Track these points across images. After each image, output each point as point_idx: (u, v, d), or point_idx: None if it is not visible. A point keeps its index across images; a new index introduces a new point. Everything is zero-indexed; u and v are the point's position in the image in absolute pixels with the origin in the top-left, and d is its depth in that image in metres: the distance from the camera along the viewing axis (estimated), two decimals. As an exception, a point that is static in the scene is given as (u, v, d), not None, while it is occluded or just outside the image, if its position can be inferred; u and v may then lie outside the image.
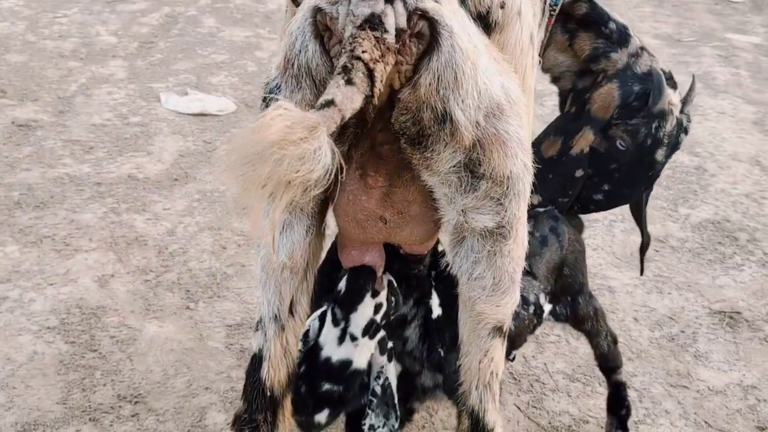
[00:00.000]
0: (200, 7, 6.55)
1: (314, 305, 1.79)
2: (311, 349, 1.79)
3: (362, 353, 1.77)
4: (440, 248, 1.84)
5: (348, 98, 1.09)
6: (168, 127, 4.34)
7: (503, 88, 1.33)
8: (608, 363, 2.37)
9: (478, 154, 1.33)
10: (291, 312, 1.62)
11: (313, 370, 1.77)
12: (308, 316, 1.70)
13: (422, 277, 1.83)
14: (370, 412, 1.82)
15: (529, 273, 1.99)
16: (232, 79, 5.13)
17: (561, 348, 2.84)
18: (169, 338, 2.73)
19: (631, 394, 2.60)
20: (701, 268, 3.35)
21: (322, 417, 1.77)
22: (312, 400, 1.75)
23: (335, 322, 1.77)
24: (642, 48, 2.30)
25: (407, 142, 1.34)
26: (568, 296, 2.17)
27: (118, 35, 5.76)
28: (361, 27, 1.15)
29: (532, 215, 2.07)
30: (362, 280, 1.72)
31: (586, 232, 3.43)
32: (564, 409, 2.55)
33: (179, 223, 3.42)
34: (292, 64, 1.33)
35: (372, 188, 1.44)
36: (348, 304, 1.75)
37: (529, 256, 1.95)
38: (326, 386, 1.75)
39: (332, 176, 1.09)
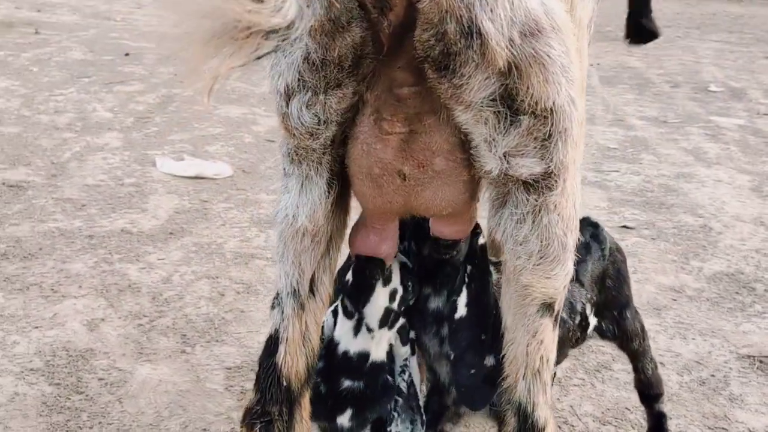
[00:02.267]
0: (196, 89, 6.63)
1: None
2: (328, 345, 1.62)
3: (380, 345, 1.61)
4: (481, 241, 1.70)
5: None
6: (163, 188, 4.24)
7: (543, 4, 1.19)
8: (651, 390, 2.18)
9: (514, 81, 1.17)
10: (311, 290, 1.45)
11: (331, 366, 1.60)
12: (330, 300, 1.53)
13: (456, 265, 1.67)
14: (395, 415, 1.62)
15: (575, 279, 1.84)
16: (229, 148, 5.10)
17: (586, 391, 2.64)
18: (163, 380, 2.50)
19: (668, 436, 2.39)
20: (722, 316, 3.21)
21: (344, 419, 1.57)
22: (332, 399, 1.57)
23: (348, 315, 1.62)
24: None
25: (433, 68, 1.19)
26: (614, 311, 2.00)
27: (114, 111, 5.78)
28: None
29: None
30: (369, 271, 1.58)
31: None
32: (598, 451, 2.33)
33: (175, 271, 3.25)
34: None
35: (389, 134, 1.29)
36: (357, 297, 1.60)
37: (575, 263, 1.81)
38: (346, 383, 1.58)
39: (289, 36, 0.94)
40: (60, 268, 3.20)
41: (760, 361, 2.87)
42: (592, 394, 2.62)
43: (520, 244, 1.33)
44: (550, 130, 1.23)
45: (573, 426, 2.45)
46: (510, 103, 1.20)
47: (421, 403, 1.71)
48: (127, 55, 7.87)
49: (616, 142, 6.04)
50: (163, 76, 7.04)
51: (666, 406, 2.26)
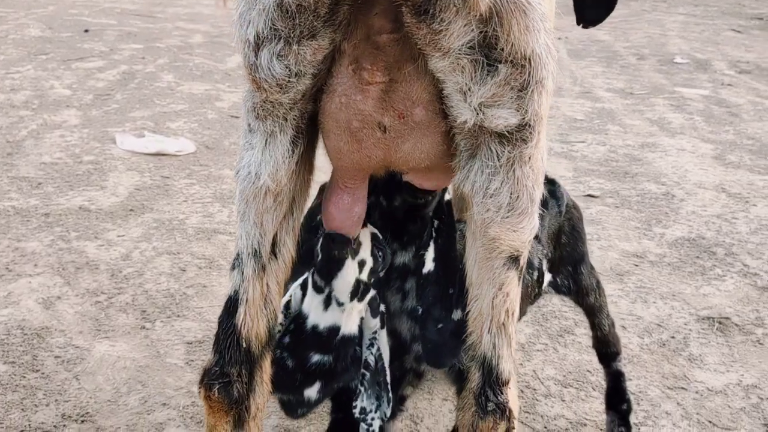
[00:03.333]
0: (159, 65, 6.51)
1: (293, 273, 1.59)
2: (295, 319, 1.59)
3: (351, 318, 1.57)
4: (447, 197, 1.68)
5: None
6: (123, 165, 4.15)
7: None
8: (608, 347, 2.19)
9: (494, 28, 1.12)
10: (273, 251, 1.41)
11: (299, 341, 1.56)
12: (293, 261, 1.49)
13: (425, 218, 1.64)
14: (361, 390, 1.59)
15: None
16: (192, 124, 5.01)
17: (549, 356, 2.65)
18: (122, 356, 2.45)
19: (628, 397, 2.42)
20: (683, 279, 3.25)
21: (312, 392, 1.55)
22: (301, 374, 1.54)
23: (318, 290, 1.58)
24: None
25: (411, 12, 1.14)
26: (568, 266, 2.00)
27: (72, 88, 5.63)
28: None
29: None
30: (336, 251, 1.54)
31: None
32: (559, 413, 2.35)
33: (135, 248, 3.18)
34: None
35: (369, 84, 1.24)
36: (327, 271, 1.57)
37: None
38: (315, 357, 1.55)
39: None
40: (15, 246, 3.12)
41: (719, 323, 2.91)
42: (555, 359, 2.64)
43: (491, 197, 1.29)
44: (527, 80, 1.18)
45: (535, 390, 2.46)
46: (488, 52, 1.15)
47: (389, 379, 1.68)
48: (86, 31, 7.68)
49: (583, 113, 6.06)
50: (125, 52, 6.89)
51: (624, 366, 2.28)
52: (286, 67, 1.21)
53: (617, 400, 2.21)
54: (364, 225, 1.59)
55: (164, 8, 9.89)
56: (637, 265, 3.38)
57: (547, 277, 1.94)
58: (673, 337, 2.81)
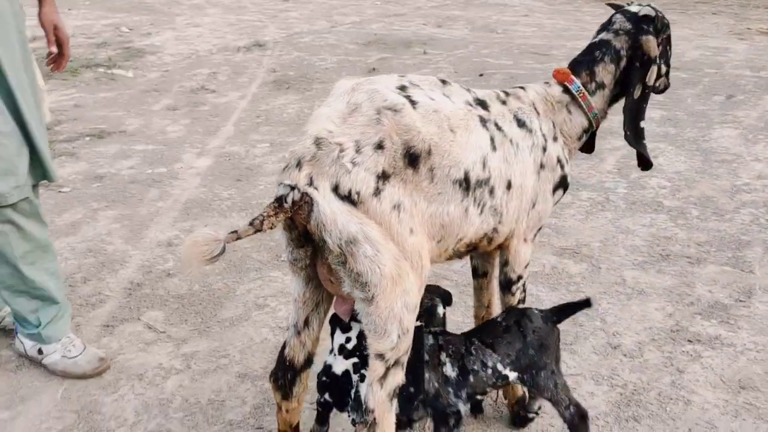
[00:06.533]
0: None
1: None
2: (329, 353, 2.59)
3: (337, 364, 2.54)
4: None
5: (245, 230, 2.01)
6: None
7: (362, 230, 2.05)
8: (574, 429, 2.78)
9: (345, 258, 2.08)
10: (306, 325, 2.46)
11: (325, 366, 2.59)
12: (319, 330, 2.47)
13: None
14: (350, 410, 2.52)
15: (489, 346, 2.69)
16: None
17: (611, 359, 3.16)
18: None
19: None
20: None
21: (327, 396, 2.57)
22: (319, 386, 2.59)
23: (332, 341, 2.59)
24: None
25: (317, 247, 2.16)
26: (532, 370, 2.76)
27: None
28: (275, 200, 2.03)
29: (506, 310, 2.81)
30: (332, 321, 2.54)
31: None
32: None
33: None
34: None
35: (323, 265, 2.23)
36: (331, 331, 2.58)
37: (493, 337, 2.70)
38: (323, 378, 2.57)
39: (219, 256, 1.97)
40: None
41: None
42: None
43: (365, 324, 2.22)
44: (365, 281, 2.11)
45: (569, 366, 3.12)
46: (344, 266, 2.11)
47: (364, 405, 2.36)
48: (480, 75, 7.98)
49: None
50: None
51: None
52: (294, 257, 2.27)
53: None
54: (359, 321, 2.33)
55: (566, 41, 9.53)
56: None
57: (512, 375, 2.76)
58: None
